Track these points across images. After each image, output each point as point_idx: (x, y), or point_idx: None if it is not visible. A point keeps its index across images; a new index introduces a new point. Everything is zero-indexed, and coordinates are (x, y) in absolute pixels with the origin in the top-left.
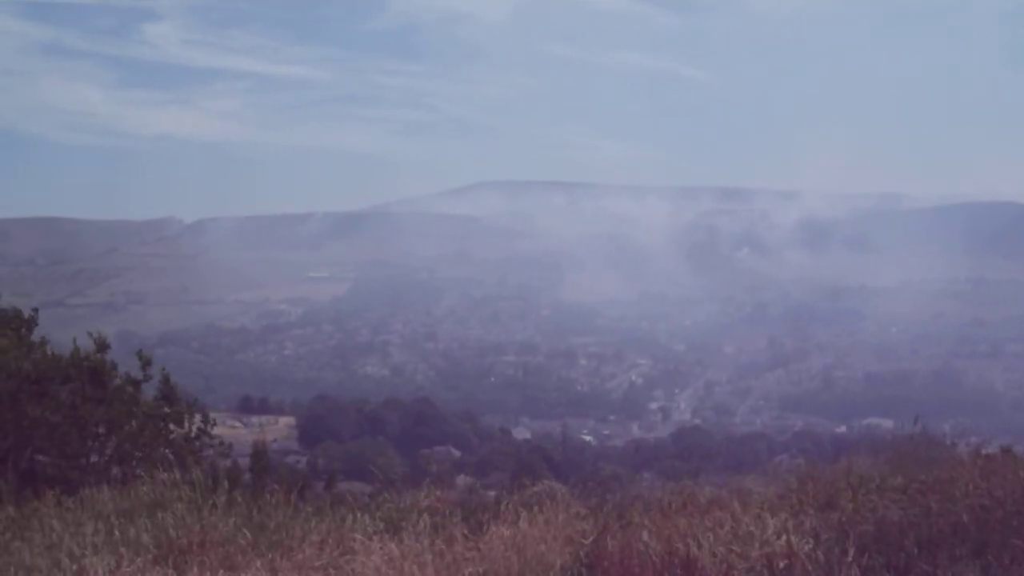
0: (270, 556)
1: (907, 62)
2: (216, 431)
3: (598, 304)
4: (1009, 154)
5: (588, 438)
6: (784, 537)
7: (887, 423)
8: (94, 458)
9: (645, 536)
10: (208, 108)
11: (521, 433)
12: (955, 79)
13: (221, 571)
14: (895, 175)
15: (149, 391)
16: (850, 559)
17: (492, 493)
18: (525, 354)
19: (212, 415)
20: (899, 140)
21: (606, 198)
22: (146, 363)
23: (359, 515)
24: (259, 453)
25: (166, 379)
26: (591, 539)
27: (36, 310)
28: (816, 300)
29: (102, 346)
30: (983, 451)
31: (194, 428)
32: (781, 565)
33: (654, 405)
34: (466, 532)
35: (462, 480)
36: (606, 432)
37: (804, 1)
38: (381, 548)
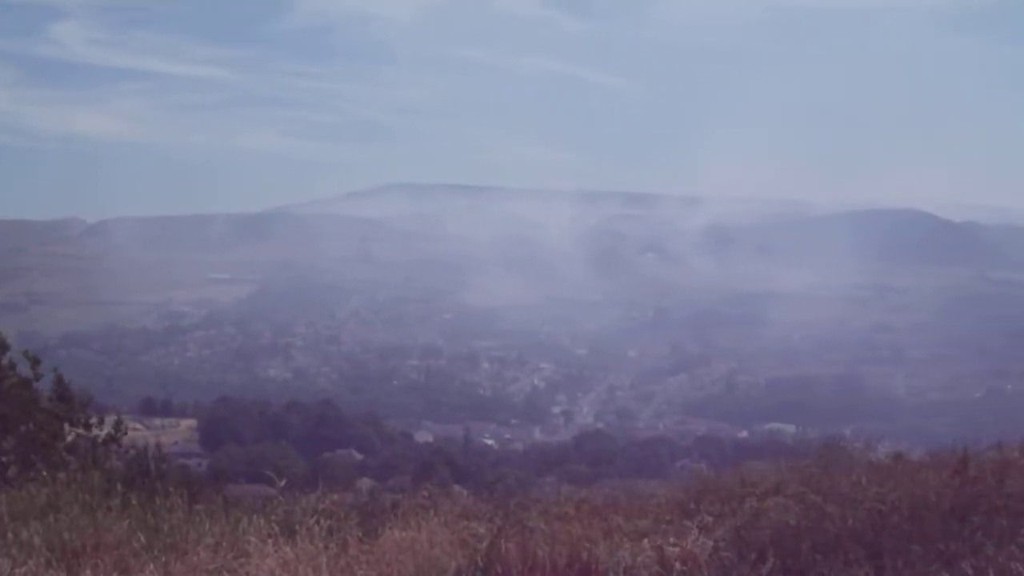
0: (164, 559)
1: (812, 70)
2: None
3: (501, 308)
4: (913, 162)
5: (490, 442)
6: (682, 542)
7: (789, 428)
8: None
9: (540, 540)
10: (113, 108)
11: (423, 436)
12: (860, 87)
13: (115, 574)
14: (800, 182)
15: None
16: (748, 564)
17: (394, 496)
18: (428, 357)
19: (114, 417)
20: (804, 147)
21: (512, 202)
22: (34, 363)
23: (254, 518)
24: (157, 456)
25: (59, 379)
26: (486, 543)
27: None
28: (720, 305)
29: (2, 347)
30: (882, 456)
31: (103, 432)
32: (678, 569)
33: (556, 409)
34: (361, 535)
35: (364, 483)
36: (508, 436)
37: (709, 8)
38: (275, 551)
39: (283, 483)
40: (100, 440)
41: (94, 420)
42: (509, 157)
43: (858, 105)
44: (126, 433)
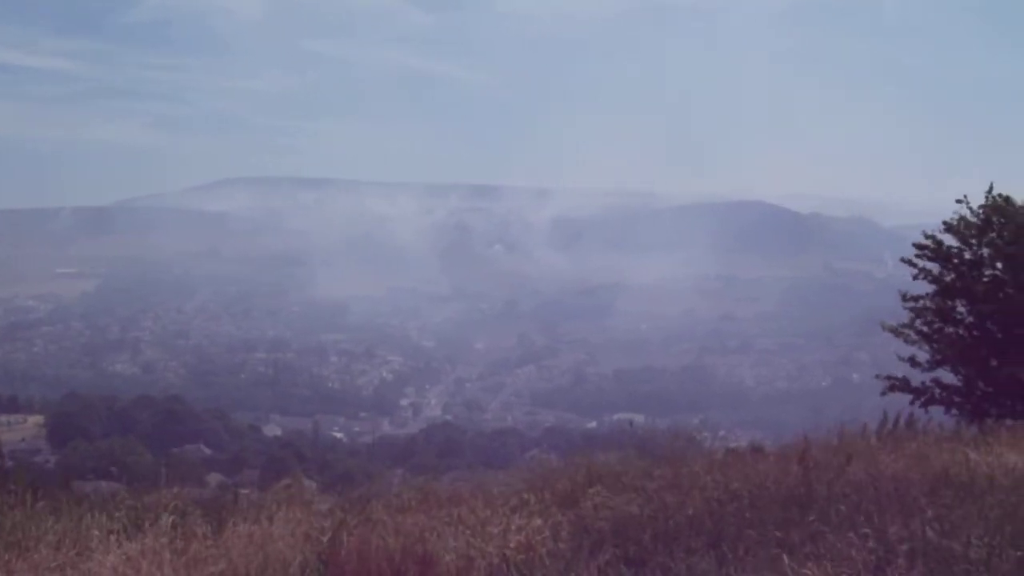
0: (6, 557)
1: (661, 62)
2: None
3: (349, 301)
4: (761, 154)
5: (339, 435)
6: (524, 532)
7: (638, 418)
8: None
9: (383, 532)
10: None
11: (272, 430)
12: (708, 80)
13: None
14: (648, 174)
15: None
16: (589, 554)
17: (244, 491)
18: (276, 351)
19: None
20: (653, 139)
21: (359, 194)
22: None
23: (99, 514)
24: None
25: None
26: (329, 536)
27: None
28: (568, 297)
29: None
30: (727, 445)
31: None
32: (520, 560)
33: (405, 402)
34: (206, 530)
35: (213, 478)
36: (357, 429)
37: (557, 1)
38: (119, 547)
39: (131, 478)
40: None
41: None
42: (356, 149)
43: (707, 98)
44: None
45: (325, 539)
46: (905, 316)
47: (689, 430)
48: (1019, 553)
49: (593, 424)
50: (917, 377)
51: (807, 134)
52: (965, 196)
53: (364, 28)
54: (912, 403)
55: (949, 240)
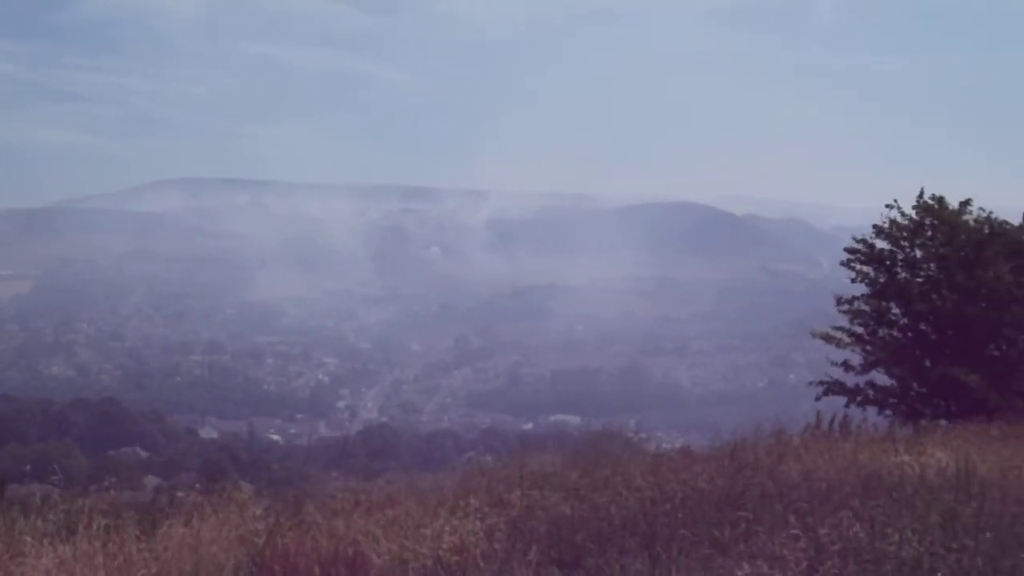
0: None
1: (596, 65)
2: None
3: (284, 303)
4: (696, 156)
5: (275, 437)
6: (457, 534)
7: (574, 419)
8: None
9: (317, 534)
10: None
11: (208, 433)
12: (644, 83)
13: None
14: (583, 176)
15: None
16: (523, 555)
17: (179, 494)
18: (212, 353)
19: None
20: (588, 141)
21: (294, 196)
22: None
23: (32, 517)
24: None
25: None
26: (262, 539)
27: None
28: (504, 299)
29: None
30: (662, 446)
31: None
32: (453, 562)
33: (341, 404)
34: (139, 533)
35: (149, 480)
36: (293, 431)
37: (493, 5)
38: (53, 550)
39: (62, 481)
40: None
41: None
42: (291, 151)
43: (642, 100)
44: None
45: (258, 542)
46: (840, 318)
47: (625, 431)
48: (950, 552)
49: (529, 425)
50: (852, 380)
51: (743, 136)
52: (896, 200)
53: (301, 30)
54: (847, 405)
55: (881, 244)
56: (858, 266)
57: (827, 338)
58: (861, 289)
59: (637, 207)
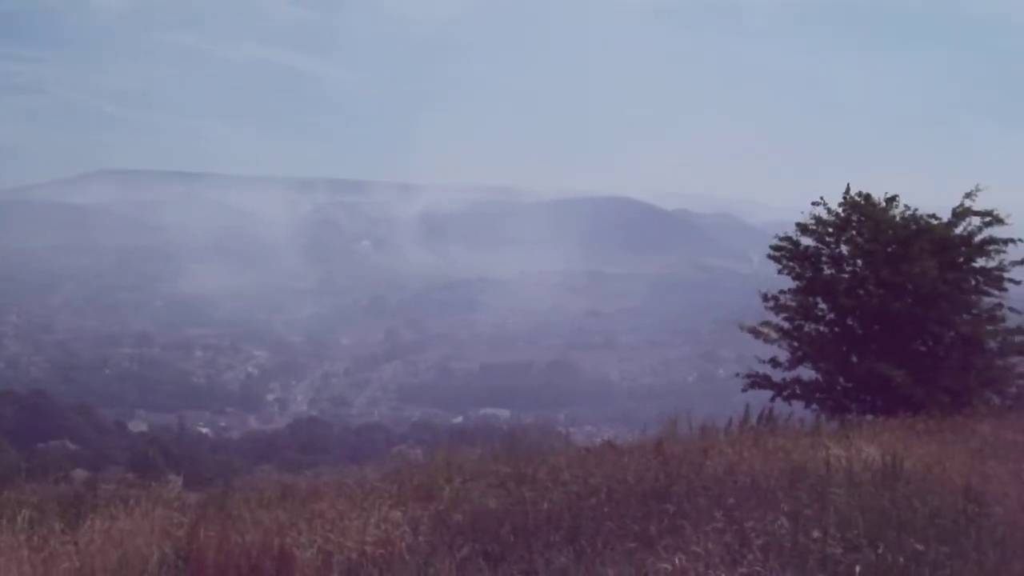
0: None
1: (527, 59)
2: None
3: (215, 296)
4: (627, 151)
5: (205, 430)
6: (383, 527)
7: (504, 413)
8: None
9: (243, 527)
10: None
11: (137, 426)
12: (575, 77)
13: None
14: (515, 170)
15: None
16: (448, 548)
17: (108, 487)
18: (142, 345)
19: None
20: (519, 135)
21: (225, 189)
22: None
23: None
24: None
25: None
26: (187, 531)
27: None
28: (434, 292)
29: None
30: (590, 440)
31: None
32: (378, 555)
33: (271, 397)
34: (64, 527)
35: (78, 474)
36: (223, 424)
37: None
38: None
39: None
40: None
41: None
42: (223, 144)
43: (573, 95)
44: None
45: (184, 534)
46: (768, 313)
47: (554, 425)
48: (874, 546)
49: (459, 419)
50: (779, 375)
51: (675, 132)
52: (822, 197)
53: (231, 21)
54: (773, 399)
55: (807, 240)
56: (784, 262)
57: (755, 332)
58: (788, 284)
59: (568, 201)
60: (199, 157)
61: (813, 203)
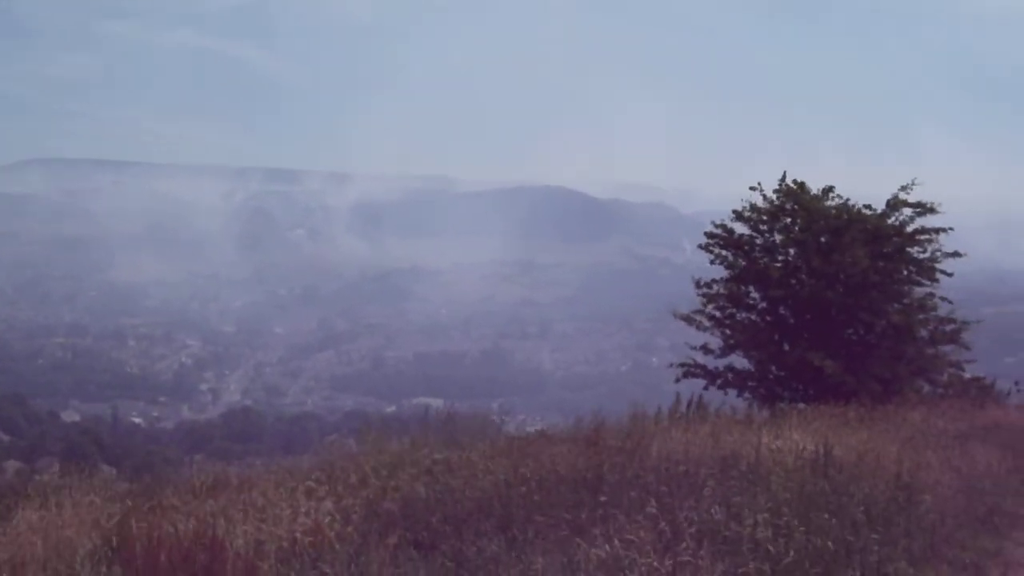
0: None
1: (461, 48)
2: None
3: (148, 285)
4: (561, 140)
5: (138, 420)
6: (313, 516)
7: (437, 402)
8: None
9: (174, 518)
10: None
11: (71, 416)
12: (509, 66)
13: None
14: (448, 159)
15: None
16: (379, 537)
17: (40, 478)
18: (74, 335)
19: None
20: (452, 124)
21: (157, 178)
22: None
23: None
24: None
25: None
26: (119, 521)
27: None
28: (367, 282)
29: None
30: (524, 429)
31: None
32: (309, 543)
33: (204, 387)
34: None
35: (11, 465)
36: (156, 414)
37: None
38: None
39: None
40: None
41: None
42: (156, 133)
43: (509, 84)
44: None
45: (114, 526)
46: (701, 301)
47: (488, 414)
48: (803, 532)
49: (392, 408)
50: (712, 363)
51: (608, 121)
52: (759, 183)
53: (164, 10)
54: (706, 387)
55: (741, 228)
56: (717, 250)
57: (688, 320)
58: (721, 272)
59: (503, 191)
60: (133, 146)
61: (750, 188)
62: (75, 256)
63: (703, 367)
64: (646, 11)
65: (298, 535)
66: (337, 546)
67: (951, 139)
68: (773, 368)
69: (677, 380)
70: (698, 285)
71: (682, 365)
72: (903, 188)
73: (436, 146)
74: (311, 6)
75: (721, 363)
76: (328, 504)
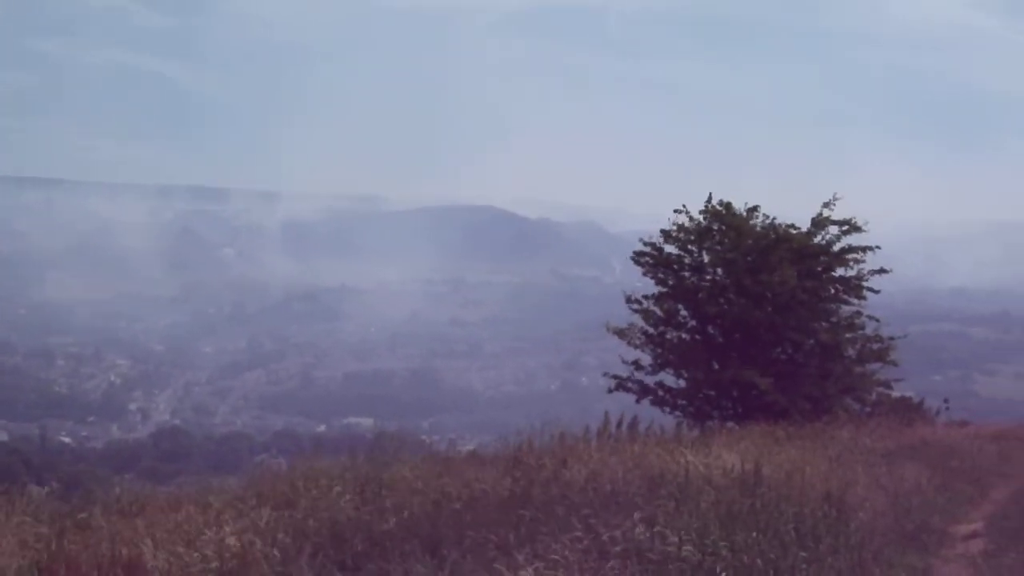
0: None
1: (388, 67)
2: None
3: (76, 304)
4: (490, 160)
5: (67, 440)
6: (239, 537)
7: (367, 422)
8: None
9: (100, 539)
10: None
11: None
12: (438, 86)
13: None
14: (376, 178)
15: None
16: (306, 558)
17: None
18: (2, 354)
19: None
20: (381, 143)
21: (84, 196)
22: None
23: None
24: None
25: None
26: (45, 543)
27: None
28: (296, 301)
29: None
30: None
31: None
32: (234, 565)
33: (133, 406)
34: None
35: None
36: (85, 433)
37: (287, 4)
38: None
39: None
40: None
41: None
42: (83, 150)
43: (435, 103)
44: None
45: (41, 546)
46: (632, 318)
47: (418, 433)
48: (731, 552)
49: (323, 428)
50: (643, 380)
51: (538, 142)
52: (684, 205)
53: (92, 28)
54: (638, 402)
55: (670, 248)
56: (647, 267)
57: (621, 334)
58: (651, 291)
59: (429, 209)
60: (58, 163)
61: (675, 211)
62: (2, 274)
63: (638, 381)
64: (574, 33)
65: (224, 557)
66: (264, 567)
67: (877, 159)
68: (703, 387)
69: (610, 391)
70: (629, 300)
71: (615, 377)
72: (826, 204)
73: (365, 165)
74: (239, 26)
75: (651, 380)
76: (255, 524)
